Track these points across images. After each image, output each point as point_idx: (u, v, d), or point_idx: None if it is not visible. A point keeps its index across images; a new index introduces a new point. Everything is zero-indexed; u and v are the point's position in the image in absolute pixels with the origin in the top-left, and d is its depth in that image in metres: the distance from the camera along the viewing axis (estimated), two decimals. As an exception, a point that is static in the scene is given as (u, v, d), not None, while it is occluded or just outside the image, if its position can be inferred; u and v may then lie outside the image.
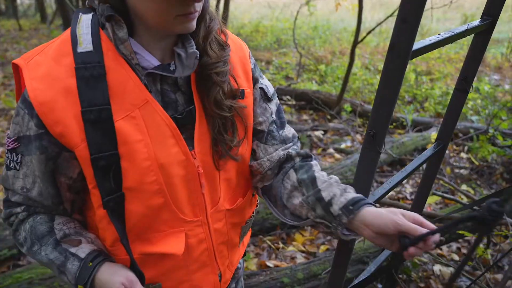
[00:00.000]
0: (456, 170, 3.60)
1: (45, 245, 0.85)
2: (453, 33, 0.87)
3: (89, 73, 0.76)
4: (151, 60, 0.81)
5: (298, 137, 1.06)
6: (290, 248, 2.59)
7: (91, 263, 0.82)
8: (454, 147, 4.05)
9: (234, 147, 0.90)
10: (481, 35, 1.03)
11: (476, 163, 3.57)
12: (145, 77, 0.80)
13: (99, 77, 0.76)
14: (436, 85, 5.80)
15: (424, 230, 0.75)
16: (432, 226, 0.77)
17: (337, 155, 3.87)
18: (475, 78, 1.04)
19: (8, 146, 0.83)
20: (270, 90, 1.00)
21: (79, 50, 0.77)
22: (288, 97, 5.20)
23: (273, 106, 1.00)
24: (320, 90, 5.32)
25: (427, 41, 0.80)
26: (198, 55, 0.82)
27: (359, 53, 7.97)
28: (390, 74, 0.72)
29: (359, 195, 0.88)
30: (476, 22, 0.98)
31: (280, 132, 1.00)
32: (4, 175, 0.88)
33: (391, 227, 0.78)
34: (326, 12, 12.72)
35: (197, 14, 0.78)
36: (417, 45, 0.76)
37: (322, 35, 9.85)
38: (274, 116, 1.00)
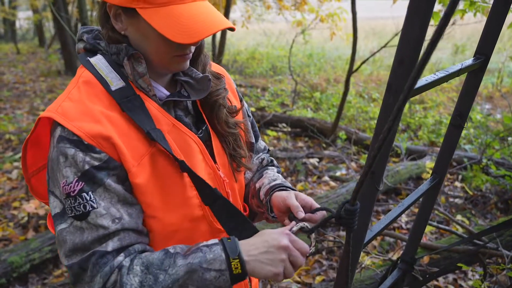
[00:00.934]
0: (451, 199, 3.60)
1: (172, 264, 0.78)
2: (448, 73, 0.89)
3: (132, 104, 0.83)
4: (162, 91, 0.91)
5: (268, 149, 1.24)
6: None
7: (230, 239, 0.81)
8: (448, 175, 4.07)
9: (243, 159, 1.03)
10: (474, 73, 1.06)
11: (470, 192, 3.58)
12: (162, 106, 0.89)
13: (141, 106, 0.84)
14: (429, 114, 5.88)
15: (301, 214, 0.89)
16: (302, 213, 0.90)
17: (332, 183, 3.86)
18: (473, 102, 1.08)
19: (73, 192, 0.77)
20: (247, 107, 1.15)
21: (113, 88, 0.84)
22: (284, 124, 5.24)
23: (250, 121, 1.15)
24: (315, 118, 5.37)
25: (423, 81, 0.82)
26: (210, 77, 0.93)
27: (354, 81, 8.10)
28: (387, 114, 0.73)
29: (280, 182, 1.03)
30: (469, 61, 1.00)
31: (256, 144, 1.16)
32: (80, 238, 0.78)
33: (281, 203, 0.93)
34: (321, 40, 13.01)
35: (191, 55, 0.88)
36: (413, 85, 0.78)
37: (317, 62, 10.02)
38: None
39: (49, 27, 15.65)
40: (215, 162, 0.96)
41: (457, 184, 3.90)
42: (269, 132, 4.99)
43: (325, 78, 8.45)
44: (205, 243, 0.81)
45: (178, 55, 0.85)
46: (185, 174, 0.87)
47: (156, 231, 0.88)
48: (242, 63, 10.29)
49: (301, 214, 0.90)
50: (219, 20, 0.82)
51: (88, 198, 0.78)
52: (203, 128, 0.96)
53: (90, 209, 0.78)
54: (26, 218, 3.05)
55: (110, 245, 0.78)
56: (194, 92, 0.94)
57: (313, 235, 0.89)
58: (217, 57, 6.18)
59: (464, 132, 4.98)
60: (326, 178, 3.98)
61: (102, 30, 0.88)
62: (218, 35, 6.81)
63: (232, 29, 0.84)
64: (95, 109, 0.81)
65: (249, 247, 0.80)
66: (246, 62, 10.49)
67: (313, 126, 5.01)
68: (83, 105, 0.81)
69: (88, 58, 0.87)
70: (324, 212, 0.92)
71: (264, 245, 0.79)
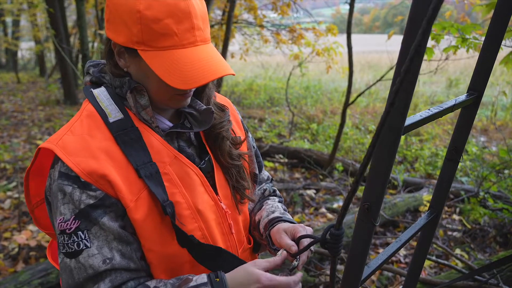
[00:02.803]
0: (449, 232, 3.56)
1: None
2: (442, 108, 0.90)
3: (128, 137, 0.83)
4: (166, 122, 0.92)
5: (271, 179, 1.24)
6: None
7: (218, 279, 0.81)
8: (446, 208, 4.04)
9: (247, 190, 1.03)
10: (468, 108, 1.07)
11: (469, 226, 3.54)
12: (165, 137, 0.90)
13: (137, 138, 0.84)
14: (425, 146, 5.91)
15: (294, 248, 0.93)
16: (295, 248, 0.93)
17: (329, 215, 3.83)
18: (467, 137, 1.09)
19: (69, 229, 0.79)
20: (252, 138, 1.17)
21: (111, 120, 0.84)
22: (281, 155, 5.24)
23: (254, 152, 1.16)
24: (312, 149, 5.39)
25: (418, 116, 0.82)
26: (213, 110, 0.94)
27: (350, 113, 8.18)
28: (382, 149, 0.73)
29: (278, 215, 1.04)
30: (462, 97, 1.02)
31: (259, 175, 1.17)
32: (72, 280, 0.79)
33: (277, 242, 0.96)
34: (318, 73, 13.25)
35: (192, 93, 0.90)
36: (408, 121, 0.78)
37: (313, 94, 10.16)
38: None
39: (51, 58, 15.90)
40: (216, 193, 0.96)
41: (455, 217, 3.87)
42: (266, 163, 4.98)
43: (322, 110, 8.54)
44: (193, 283, 0.81)
45: (178, 94, 0.87)
46: (183, 206, 0.87)
47: (155, 264, 0.87)
48: (240, 94, 10.42)
49: (294, 248, 0.92)
50: (219, 67, 0.82)
51: (83, 236, 0.78)
52: (206, 159, 0.96)
53: (84, 247, 0.78)
54: (16, 249, 2.98)
55: (102, 286, 0.79)
56: (197, 123, 0.95)
57: (299, 260, 0.93)
58: (216, 88, 6.26)
59: (460, 164, 4.99)
60: (323, 209, 3.95)
61: (106, 65, 0.91)
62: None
63: (231, 75, 0.85)
64: (94, 144, 0.81)
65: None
66: (244, 93, 10.62)
67: (310, 157, 5.01)
68: (83, 140, 0.82)
69: (92, 89, 0.89)
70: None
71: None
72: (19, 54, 17.33)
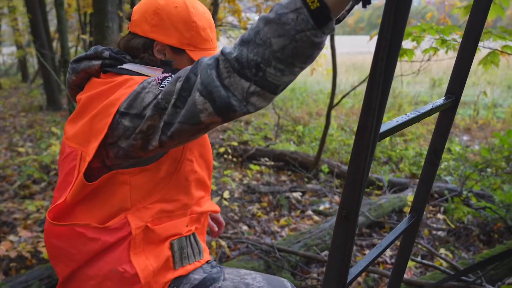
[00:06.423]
0: (434, 232, 3.60)
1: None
2: (419, 113, 0.90)
3: None
4: None
5: None
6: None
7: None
8: (431, 208, 4.08)
9: None
10: (446, 112, 1.07)
11: (452, 225, 3.58)
12: None
13: None
14: (409, 146, 5.97)
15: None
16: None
17: (316, 217, 3.83)
18: (446, 140, 1.09)
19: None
20: None
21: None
22: (266, 158, 5.23)
23: None
24: (298, 151, 5.38)
25: (394, 122, 0.82)
26: None
27: (335, 115, 8.23)
28: (358, 157, 0.72)
29: None
30: (440, 100, 1.02)
31: None
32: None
33: None
34: (303, 75, 13.29)
35: None
36: (384, 127, 0.78)
37: (299, 96, 10.19)
38: None
39: (33, 63, 15.62)
40: None
41: (440, 216, 3.91)
42: (252, 166, 4.96)
43: (308, 112, 8.56)
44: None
45: None
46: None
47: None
48: (225, 97, 10.37)
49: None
50: None
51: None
52: None
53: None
54: (-4, 261, 2.90)
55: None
56: None
57: None
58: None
59: (444, 164, 5.05)
60: (309, 212, 3.95)
61: (140, 55, 1.10)
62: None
63: None
64: None
65: None
66: (229, 96, 10.57)
67: (295, 160, 5.01)
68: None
69: (122, 67, 1.07)
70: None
71: None
72: (1, 59, 16.99)
